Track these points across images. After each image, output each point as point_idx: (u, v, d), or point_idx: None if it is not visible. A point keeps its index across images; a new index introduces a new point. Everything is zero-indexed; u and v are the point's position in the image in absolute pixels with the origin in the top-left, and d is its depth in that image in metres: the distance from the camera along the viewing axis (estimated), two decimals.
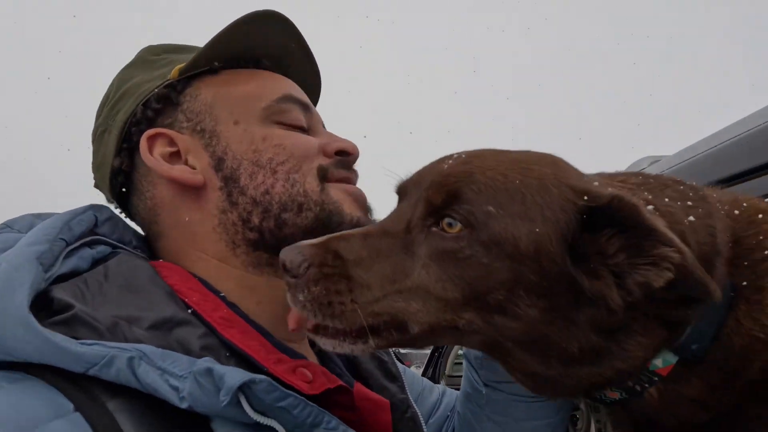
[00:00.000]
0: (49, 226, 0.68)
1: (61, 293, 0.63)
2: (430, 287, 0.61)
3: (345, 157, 0.87)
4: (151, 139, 0.80)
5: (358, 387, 0.79)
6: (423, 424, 0.89)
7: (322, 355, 0.87)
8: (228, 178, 0.79)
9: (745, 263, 0.64)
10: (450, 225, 0.61)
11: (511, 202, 0.61)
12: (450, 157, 0.70)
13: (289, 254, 0.63)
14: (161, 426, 0.56)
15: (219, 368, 0.56)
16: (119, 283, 0.69)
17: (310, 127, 0.87)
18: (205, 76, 0.85)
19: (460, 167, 0.66)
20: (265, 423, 0.57)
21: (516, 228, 0.59)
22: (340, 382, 0.70)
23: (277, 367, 0.65)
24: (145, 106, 0.81)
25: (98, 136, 0.86)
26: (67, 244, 0.69)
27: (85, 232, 0.74)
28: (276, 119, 0.82)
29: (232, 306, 0.74)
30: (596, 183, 0.66)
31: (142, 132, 0.80)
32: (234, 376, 0.55)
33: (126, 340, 0.59)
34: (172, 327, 0.64)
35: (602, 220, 0.60)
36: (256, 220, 0.77)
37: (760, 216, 0.67)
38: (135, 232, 0.89)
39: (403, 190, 0.73)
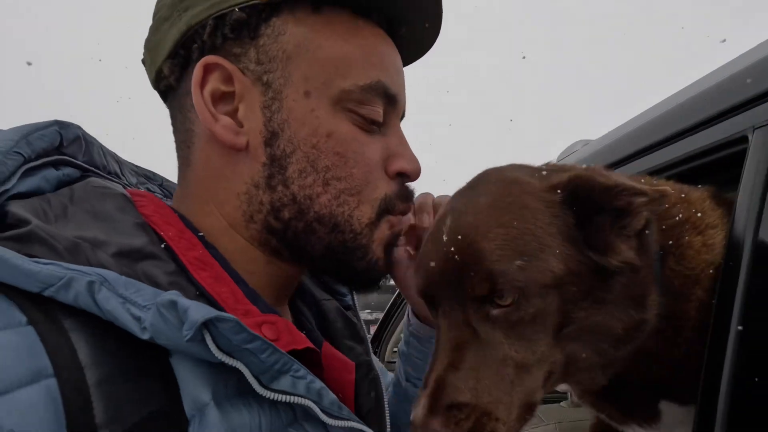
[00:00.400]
0: (2, 138, 0.60)
1: (17, 208, 0.57)
2: (526, 360, 0.64)
3: (407, 180, 0.76)
4: (208, 69, 0.67)
5: (326, 345, 0.76)
6: (383, 387, 0.84)
7: (295, 310, 0.83)
8: (275, 159, 0.68)
9: (663, 227, 0.73)
10: (501, 298, 0.64)
11: (525, 244, 0.64)
12: (437, 239, 0.69)
13: None
14: (119, 351, 0.51)
15: (184, 301, 0.51)
16: (86, 208, 0.62)
17: (386, 122, 0.74)
18: (300, 8, 0.69)
19: (466, 246, 0.66)
20: (230, 364, 0.53)
21: (544, 262, 0.63)
22: (308, 344, 0.65)
23: (243, 320, 0.59)
24: (218, 23, 0.67)
25: (158, 19, 0.71)
26: (26, 160, 0.62)
27: (48, 149, 0.66)
28: (350, 107, 0.69)
29: (209, 247, 0.68)
30: (544, 172, 0.71)
31: (202, 52, 0.67)
32: (199, 310, 0.50)
33: (89, 264, 0.54)
34: (139, 258, 0.59)
35: (587, 202, 0.66)
36: (287, 214, 0.68)
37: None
38: (115, 157, 0.80)
39: (433, 289, 0.71)
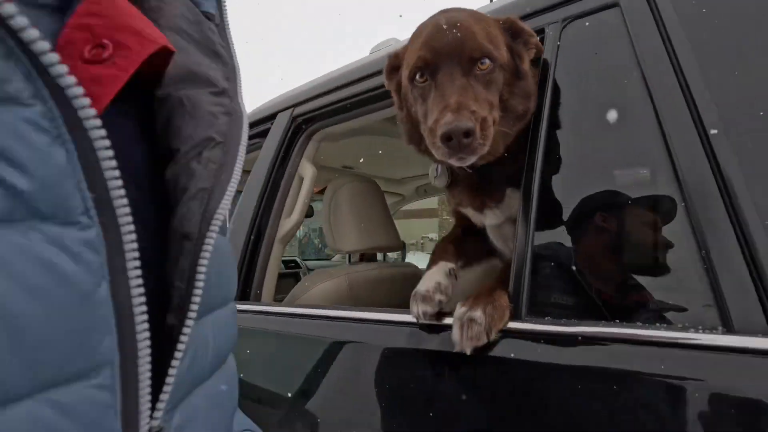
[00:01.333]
0: None
1: None
2: (492, 102, 1.06)
3: None
4: None
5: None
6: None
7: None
8: None
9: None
10: (483, 63, 1.06)
11: (494, 38, 1.10)
12: (440, 28, 1.08)
13: (462, 124, 0.95)
14: None
15: None
16: None
17: None
18: None
19: (466, 33, 1.06)
20: None
21: (502, 51, 1.10)
22: None
23: None
24: None
25: None
26: None
27: None
28: None
29: None
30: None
31: None
32: None
33: None
34: None
35: (513, 31, 1.15)
36: None
37: None
38: None
39: (437, 56, 1.07)
